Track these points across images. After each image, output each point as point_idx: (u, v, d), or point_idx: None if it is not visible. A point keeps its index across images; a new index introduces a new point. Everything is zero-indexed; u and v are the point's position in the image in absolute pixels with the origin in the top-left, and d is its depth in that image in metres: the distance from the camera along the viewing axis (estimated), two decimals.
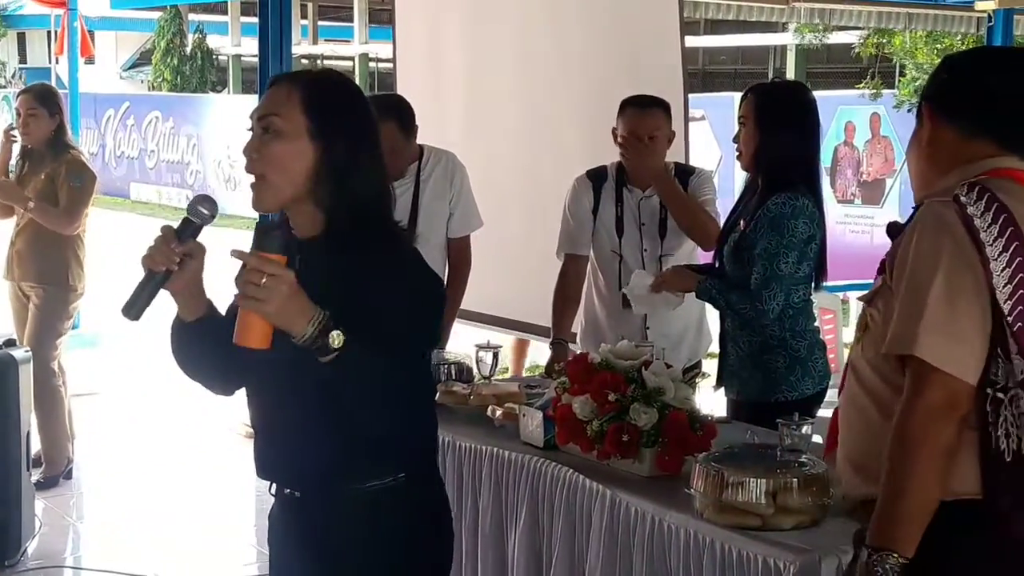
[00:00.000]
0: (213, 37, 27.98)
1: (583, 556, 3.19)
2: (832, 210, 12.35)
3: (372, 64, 26.33)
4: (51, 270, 5.81)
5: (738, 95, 4.56)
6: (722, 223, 4.21)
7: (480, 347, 4.07)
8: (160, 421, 7.39)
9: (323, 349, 2.15)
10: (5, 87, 26.58)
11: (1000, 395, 2.10)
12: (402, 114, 4.66)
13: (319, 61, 26.72)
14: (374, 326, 2.20)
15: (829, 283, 4.09)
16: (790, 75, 19.96)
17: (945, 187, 2.23)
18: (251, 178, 2.36)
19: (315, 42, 27.65)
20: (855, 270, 11.59)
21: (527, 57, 5.99)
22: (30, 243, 5.81)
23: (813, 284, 3.95)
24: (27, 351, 5.26)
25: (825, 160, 12.45)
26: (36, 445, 5.69)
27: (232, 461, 6.50)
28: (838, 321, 6.80)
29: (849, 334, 9.78)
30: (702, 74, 29.85)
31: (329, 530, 2.41)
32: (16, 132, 5.89)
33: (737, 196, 4.08)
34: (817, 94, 4.04)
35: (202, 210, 2.34)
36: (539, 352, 7.35)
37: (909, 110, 11.65)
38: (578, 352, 3.72)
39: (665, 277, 4.10)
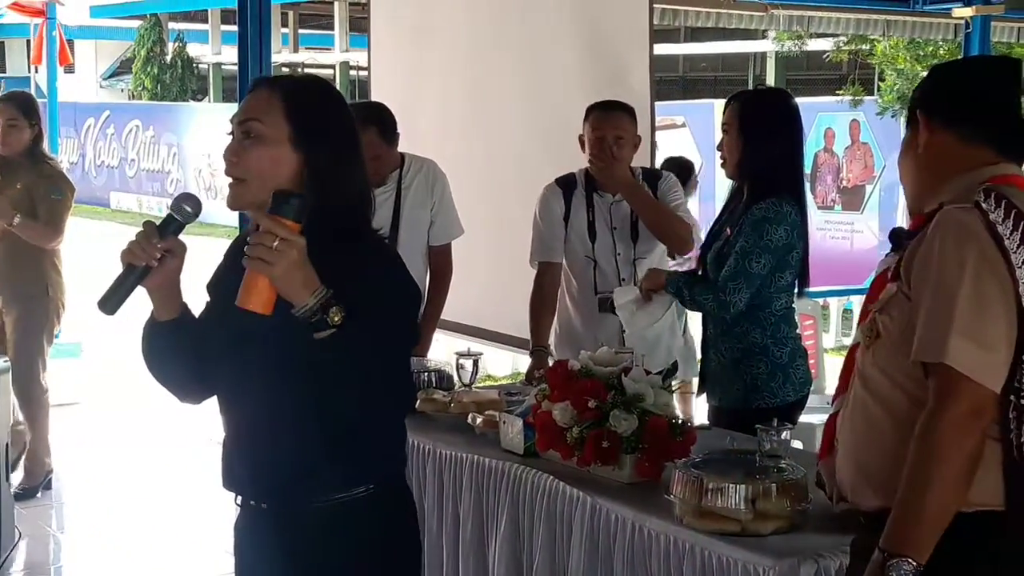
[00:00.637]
0: (193, 45, 27.95)
1: (564, 563, 3.19)
2: (812, 216, 12.39)
3: (353, 72, 26.33)
4: (31, 283, 5.77)
5: (718, 102, 4.60)
6: (703, 227, 4.23)
7: (460, 355, 4.07)
8: (140, 431, 7.37)
9: (320, 324, 2.13)
10: None
11: None
12: (383, 122, 4.67)
13: (300, 69, 26.69)
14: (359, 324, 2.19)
15: (809, 289, 4.11)
16: (770, 82, 20.04)
17: (951, 193, 2.22)
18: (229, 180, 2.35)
19: (296, 50, 27.65)
20: (835, 276, 11.65)
21: (494, 66, 5.98)
22: (7, 257, 5.75)
23: (796, 292, 3.97)
24: (6, 362, 5.24)
25: (805, 167, 12.49)
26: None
27: (211, 471, 6.46)
28: (818, 327, 6.83)
29: (828, 340, 9.83)
30: (682, 81, 29.94)
31: (295, 542, 2.38)
32: None
33: (719, 202, 4.10)
34: (797, 100, 4.06)
35: (186, 207, 2.33)
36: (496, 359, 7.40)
37: (893, 116, 11.71)
38: (553, 359, 3.73)
39: (644, 282, 4.11)
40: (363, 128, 4.49)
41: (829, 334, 10.10)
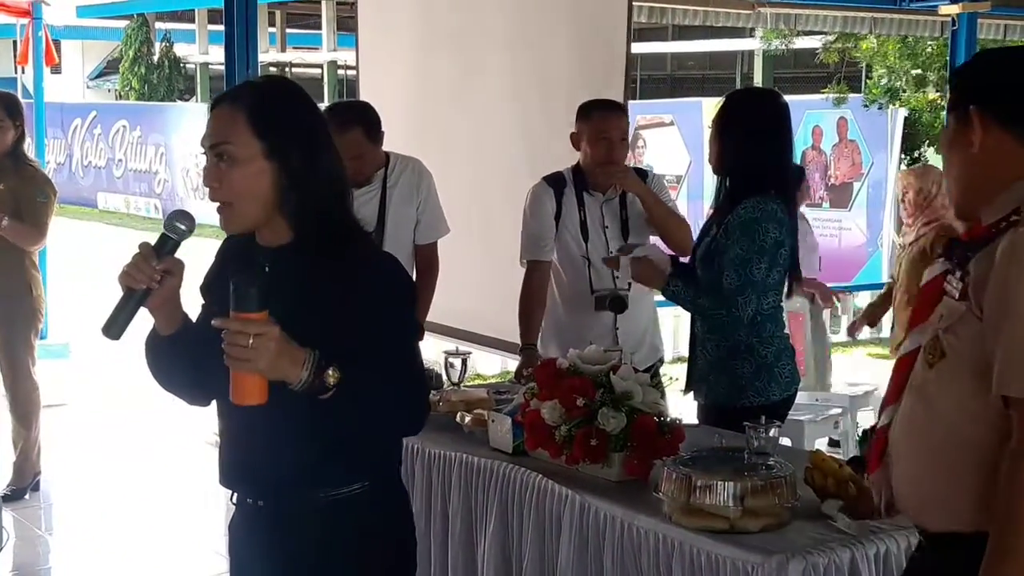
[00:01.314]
0: (180, 45, 27.90)
1: (553, 561, 3.19)
2: (808, 213, 12.41)
3: (341, 71, 26.31)
4: (13, 283, 5.75)
5: (706, 100, 4.62)
6: (694, 227, 4.25)
7: (449, 354, 4.07)
8: (128, 432, 7.35)
9: (320, 389, 2.18)
10: None
11: None
12: (368, 121, 4.67)
13: (287, 69, 26.68)
14: (359, 332, 2.21)
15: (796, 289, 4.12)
16: (757, 80, 20.09)
17: (1013, 204, 2.09)
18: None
19: (283, 50, 27.63)
20: (823, 273, 11.67)
21: (478, 66, 5.99)
22: None
23: (785, 291, 3.98)
24: None
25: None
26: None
27: (201, 471, 6.46)
28: (806, 325, 6.83)
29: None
30: (670, 80, 29.97)
31: (291, 539, 2.40)
32: None
33: (708, 200, 4.11)
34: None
35: (179, 226, 2.34)
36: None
37: (880, 108, 11.73)
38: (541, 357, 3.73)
39: (638, 270, 4.09)
40: (348, 127, 4.53)
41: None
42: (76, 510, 5.93)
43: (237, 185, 2.30)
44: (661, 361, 4.66)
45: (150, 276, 2.31)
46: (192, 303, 2.50)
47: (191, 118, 21.41)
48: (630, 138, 4.79)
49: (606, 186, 4.43)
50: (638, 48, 19.36)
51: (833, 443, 6.37)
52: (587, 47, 5.41)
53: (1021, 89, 2.17)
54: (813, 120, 12.72)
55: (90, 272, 13.19)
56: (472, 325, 5.90)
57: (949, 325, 2.14)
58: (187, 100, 27.64)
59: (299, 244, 2.32)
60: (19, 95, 6.48)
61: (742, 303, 3.77)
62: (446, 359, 4.05)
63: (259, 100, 2.36)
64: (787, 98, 4.05)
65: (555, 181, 4.52)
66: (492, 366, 8.42)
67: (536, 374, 3.43)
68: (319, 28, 26.44)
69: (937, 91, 11.44)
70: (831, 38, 12.21)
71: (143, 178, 22.36)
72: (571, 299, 4.53)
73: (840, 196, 12.87)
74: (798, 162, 12.62)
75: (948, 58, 9.50)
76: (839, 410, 6.17)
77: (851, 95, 12.25)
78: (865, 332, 11.25)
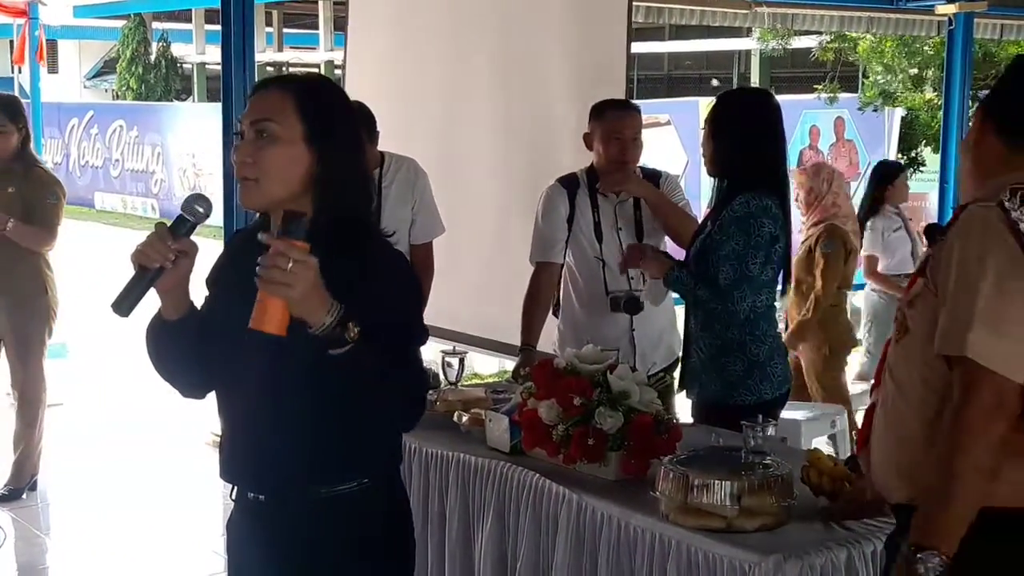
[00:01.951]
0: (177, 45, 27.88)
1: (549, 560, 3.20)
2: (797, 213, 12.41)
3: (337, 71, 26.26)
4: (29, 284, 5.76)
5: (703, 99, 4.63)
6: None
7: (446, 353, 4.08)
8: (126, 431, 7.35)
9: (338, 340, 2.15)
10: None
11: None
12: (363, 120, 4.66)
13: (284, 69, 26.66)
14: (375, 327, 2.21)
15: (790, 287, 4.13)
16: (754, 80, 20.10)
17: (988, 192, 2.24)
18: (219, 184, 2.37)
19: (280, 49, 27.60)
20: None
21: (472, 65, 5.97)
22: (3, 260, 5.69)
23: (779, 289, 3.98)
24: None
25: (790, 164, 12.51)
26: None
27: (198, 470, 6.47)
28: None
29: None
30: (667, 79, 29.98)
31: (292, 535, 2.41)
32: None
33: (705, 199, 4.11)
34: (781, 98, 4.08)
35: (197, 208, 2.34)
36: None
37: (875, 110, 11.74)
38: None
39: (640, 256, 4.10)
40: None
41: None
42: (74, 510, 5.93)
43: (271, 163, 2.31)
44: (677, 361, 4.64)
45: (164, 255, 2.30)
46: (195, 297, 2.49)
47: (188, 118, 21.41)
48: None
49: (613, 188, 4.43)
50: (635, 48, 19.35)
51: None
52: (586, 46, 5.41)
53: (1015, 96, 2.33)
54: (810, 120, 12.72)
55: (87, 272, 13.18)
56: (471, 327, 5.89)
57: (911, 299, 2.28)
58: (184, 100, 27.63)
59: (313, 240, 2.31)
60: (16, 95, 6.48)
61: (738, 297, 3.77)
62: (443, 358, 4.05)
63: (309, 88, 2.39)
64: (784, 98, 4.07)
65: (569, 183, 4.51)
66: (490, 365, 8.42)
67: (533, 373, 3.43)
68: (316, 28, 26.43)
69: (934, 91, 11.44)
70: (827, 37, 12.22)
71: (140, 178, 22.34)
72: (587, 301, 4.52)
73: None
74: (795, 162, 12.71)
75: (945, 57, 9.51)
76: (835, 409, 6.18)
77: (845, 95, 12.26)
78: (863, 332, 11.24)
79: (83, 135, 23.99)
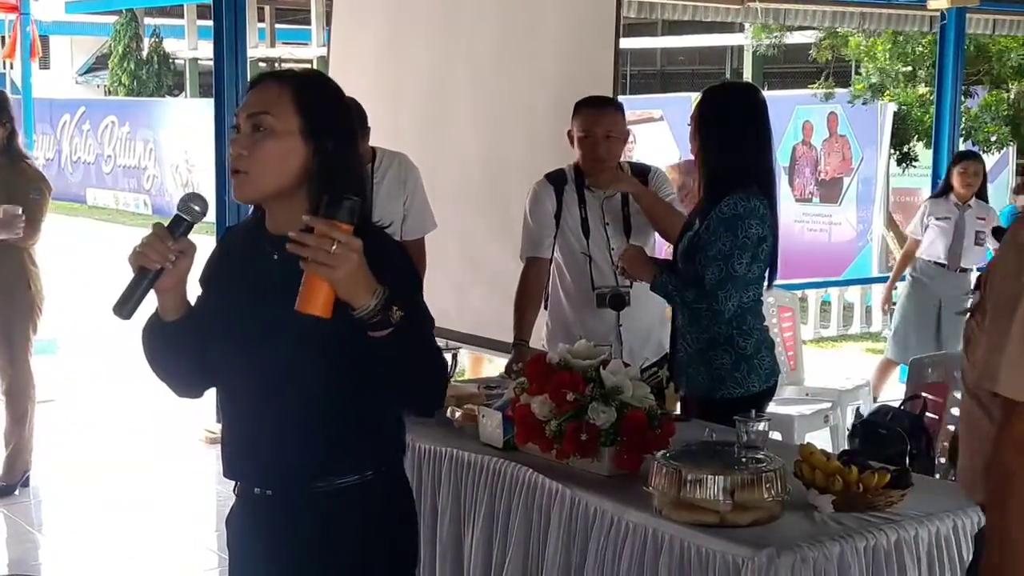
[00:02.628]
0: (170, 41, 27.83)
1: (539, 556, 3.19)
2: (790, 208, 12.43)
3: None
4: (12, 279, 5.75)
5: (696, 95, 4.60)
6: None
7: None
8: (118, 428, 7.34)
9: (382, 323, 2.15)
10: None
11: None
12: (356, 116, 4.64)
13: (276, 64, 26.61)
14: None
15: (788, 281, 4.12)
16: (747, 75, 20.08)
17: None
18: (212, 180, 2.37)
19: (272, 45, 27.53)
20: (813, 268, 11.70)
21: (461, 61, 5.95)
22: None
23: (765, 284, 3.98)
24: None
25: (783, 159, 12.54)
26: None
27: (191, 467, 6.47)
28: (796, 319, 6.85)
29: (807, 332, 9.86)
30: (660, 75, 29.97)
31: (296, 528, 2.40)
32: None
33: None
34: (774, 94, 4.09)
35: (194, 207, 2.34)
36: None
37: (864, 103, 11.75)
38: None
39: (626, 260, 4.10)
40: None
41: (807, 326, 10.15)
42: (66, 506, 5.92)
43: (266, 156, 2.31)
44: (666, 358, 4.63)
45: (164, 256, 2.30)
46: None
47: (180, 114, 21.39)
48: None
49: (600, 187, 4.43)
50: (627, 43, 19.36)
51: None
52: (575, 42, 5.40)
53: None
54: (803, 115, 12.73)
55: (79, 268, 13.17)
56: (458, 325, 5.87)
57: (974, 311, 2.21)
58: (176, 96, 27.59)
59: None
60: (7, 90, 6.46)
61: (723, 297, 3.77)
62: None
63: (306, 83, 2.40)
64: (778, 93, 4.07)
65: (556, 179, 4.51)
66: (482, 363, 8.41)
67: (526, 369, 3.42)
68: (308, 24, 26.38)
69: (927, 86, 11.45)
70: (822, 34, 12.22)
71: (132, 174, 22.33)
72: (574, 297, 4.53)
73: (830, 191, 12.90)
74: (788, 158, 12.73)
75: (937, 53, 9.52)
76: (828, 404, 6.19)
77: (840, 90, 12.27)
78: (856, 327, 11.27)
79: (75, 131, 23.97)
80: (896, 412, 3.98)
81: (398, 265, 2.34)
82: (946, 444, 4.17)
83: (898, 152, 12.16)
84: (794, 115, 12.67)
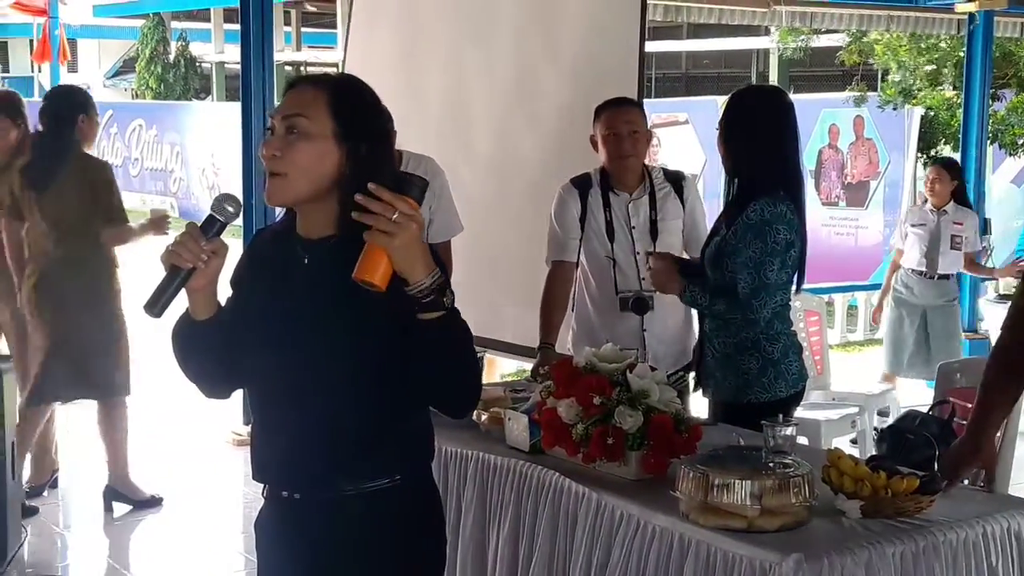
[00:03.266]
0: (196, 44, 27.95)
1: (564, 559, 3.19)
2: (817, 212, 12.37)
3: None
4: (99, 275, 5.69)
5: (721, 99, 4.59)
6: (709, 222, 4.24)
7: None
8: (145, 429, 7.35)
9: (433, 304, 2.18)
10: None
11: None
12: None
13: (303, 68, 26.71)
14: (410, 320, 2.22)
15: (814, 285, 4.10)
16: (773, 78, 20.04)
17: None
18: (239, 183, 2.37)
19: (299, 49, 27.62)
20: (840, 272, 11.63)
21: (482, 64, 5.94)
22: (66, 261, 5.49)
23: (793, 288, 3.97)
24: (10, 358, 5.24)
25: (809, 162, 12.47)
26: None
27: (219, 469, 6.49)
28: (823, 323, 6.83)
29: (834, 336, 9.81)
30: (686, 78, 29.92)
31: (325, 531, 2.41)
32: None
33: (722, 199, 4.09)
34: (801, 97, 4.07)
35: (227, 208, 2.36)
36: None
37: (895, 109, 11.69)
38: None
39: (653, 277, 4.08)
40: None
41: (834, 330, 10.10)
42: (93, 507, 5.94)
43: (300, 158, 2.32)
44: (691, 364, 4.59)
45: (197, 255, 2.32)
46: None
47: (206, 117, 21.46)
48: None
49: (631, 188, 4.42)
50: (653, 47, 19.32)
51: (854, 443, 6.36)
52: (600, 46, 5.39)
53: None
54: (830, 118, 12.67)
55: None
56: (483, 331, 5.86)
57: None
58: (203, 99, 27.70)
59: (342, 238, 2.31)
60: (36, 93, 6.49)
61: (757, 306, 3.77)
62: None
63: (342, 87, 2.42)
64: (804, 96, 4.06)
65: (581, 183, 4.52)
66: (509, 364, 8.41)
67: (553, 372, 3.43)
68: (334, 27, 26.44)
69: (954, 89, 11.39)
70: (848, 39, 12.17)
71: (159, 177, 22.40)
72: (599, 301, 4.53)
73: (856, 195, 12.83)
74: (814, 161, 12.67)
75: (964, 56, 9.47)
76: (856, 409, 6.17)
77: (871, 94, 12.21)
78: (883, 331, 11.17)
79: (103, 134, 24.03)
80: (924, 417, 3.96)
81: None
82: None
83: (925, 156, 12.08)
84: (820, 118, 12.61)
